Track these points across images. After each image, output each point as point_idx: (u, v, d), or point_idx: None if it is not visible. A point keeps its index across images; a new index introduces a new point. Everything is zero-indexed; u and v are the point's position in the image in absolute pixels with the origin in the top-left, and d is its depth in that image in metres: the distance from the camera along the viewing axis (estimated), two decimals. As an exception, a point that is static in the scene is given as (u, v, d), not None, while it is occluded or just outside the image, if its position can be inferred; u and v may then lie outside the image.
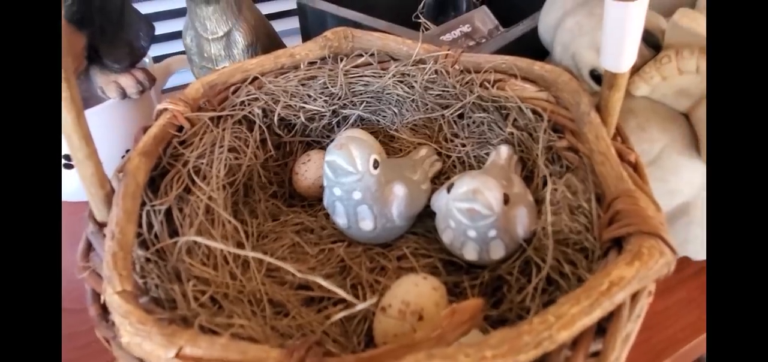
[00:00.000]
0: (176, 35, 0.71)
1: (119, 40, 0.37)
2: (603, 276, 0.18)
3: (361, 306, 0.18)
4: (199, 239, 0.22)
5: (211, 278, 0.22)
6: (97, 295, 0.21)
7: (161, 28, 0.68)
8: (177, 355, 0.16)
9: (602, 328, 0.18)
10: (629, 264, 0.18)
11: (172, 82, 0.50)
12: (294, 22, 0.78)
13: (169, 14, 0.70)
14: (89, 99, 0.39)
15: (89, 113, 0.36)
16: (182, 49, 0.53)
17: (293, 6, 0.79)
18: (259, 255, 0.20)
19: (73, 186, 0.38)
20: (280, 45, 0.48)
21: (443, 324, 0.19)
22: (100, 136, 0.35)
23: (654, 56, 0.28)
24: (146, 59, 0.42)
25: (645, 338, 0.30)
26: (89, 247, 0.23)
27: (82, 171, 0.21)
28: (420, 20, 0.64)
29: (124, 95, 0.37)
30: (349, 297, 0.18)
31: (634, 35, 0.23)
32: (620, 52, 0.23)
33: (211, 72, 0.32)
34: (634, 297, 0.19)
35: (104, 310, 0.20)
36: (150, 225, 0.24)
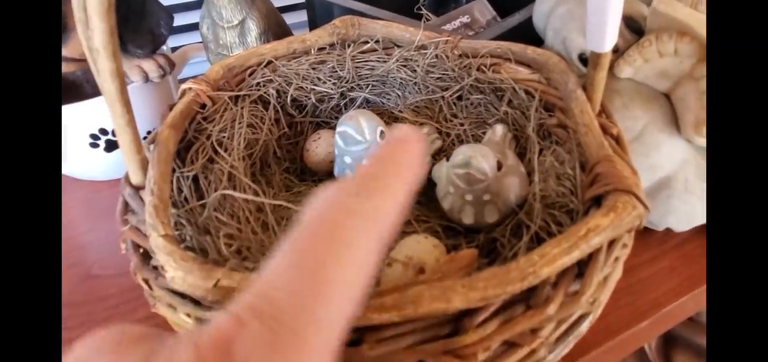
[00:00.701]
0: (191, 27, 0.74)
1: (142, 27, 0.39)
2: (582, 225, 0.21)
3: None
4: (232, 192, 0.25)
5: (236, 234, 0.25)
6: (136, 245, 0.23)
7: (176, 20, 0.71)
8: (215, 285, 0.19)
9: (581, 272, 0.21)
10: (605, 215, 0.21)
11: (186, 72, 0.53)
12: (301, 16, 0.80)
13: (183, 7, 0.73)
14: None
15: None
16: (197, 40, 0.56)
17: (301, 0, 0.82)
18: (284, 203, 0.23)
19: (100, 166, 0.41)
20: (290, 34, 0.50)
21: (443, 269, 0.22)
22: None
23: (637, 41, 0.31)
24: (164, 47, 0.45)
25: (631, 301, 0.32)
26: (126, 207, 0.26)
27: (123, 137, 0.24)
28: (421, 11, 0.67)
29: (146, 79, 0.40)
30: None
31: (615, 18, 0.25)
32: (603, 33, 0.26)
33: (228, 56, 0.35)
34: (611, 245, 0.22)
35: (144, 256, 0.23)
36: (179, 190, 0.27)
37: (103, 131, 0.39)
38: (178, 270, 0.19)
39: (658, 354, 0.65)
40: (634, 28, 0.33)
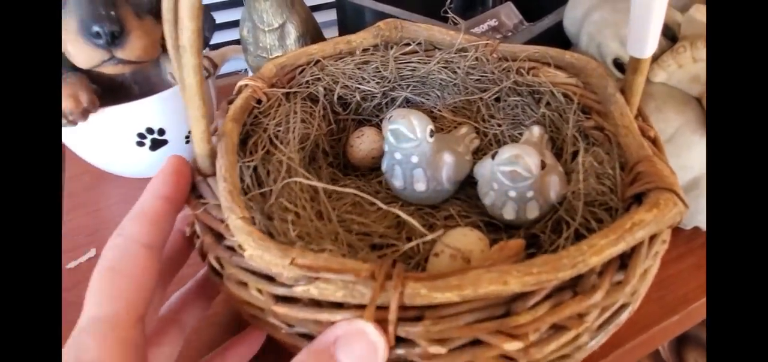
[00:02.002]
0: (225, 25, 0.76)
1: None
2: (627, 219, 0.22)
3: (430, 236, 0.22)
4: (299, 179, 0.27)
5: (296, 221, 0.27)
6: (208, 227, 0.25)
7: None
8: (291, 263, 0.21)
9: (624, 264, 0.23)
10: (648, 211, 0.22)
11: (223, 70, 0.55)
12: (327, 15, 0.82)
13: (219, 6, 0.76)
14: (159, 83, 0.44)
15: (161, 96, 0.40)
16: (230, 37, 0.58)
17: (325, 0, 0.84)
18: (352, 191, 0.25)
19: (145, 163, 0.43)
20: (324, 37, 0.52)
21: (494, 257, 0.24)
22: (170, 115, 0.41)
23: (671, 47, 0.32)
24: (205, 49, 0.47)
25: (661, 295, 0.34)
26: (195, 192, 0.28)
27: (197, 128, 0.26)
28: (448, 14, 0.68)
29: None
30: (420, 227, 0.23)
31: (657, 25, 0.27)
32: (645, 39, 0.27)
33: (281, 55, 0.37)
34: (652, 240, 0.23)
35: (217, 237, 0.25)
36: (242, 178, 0.29)
37: (150, 130, 0.41)
38: (256, 249, 0.21)
39: (671, 352, 0.66)
40: (668, 34, 0.34)
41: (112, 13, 0.34)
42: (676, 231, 0.37)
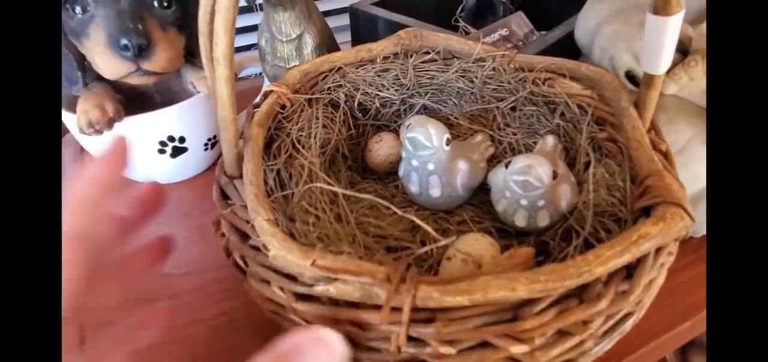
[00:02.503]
0: (239, 31, 0.77)
1: None
2: (633, 231, 0.23)
3: (444, 242, 0.24)
4: (320, 185, 0.28)
5: (316, 222, 0.29)
6: (234, 227, 0.27)
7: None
8: (312, 264, 0.22)
9: (630, 274, 0.23)
10: (655, 224, 0.23)
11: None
12: (339, 20, 0.83)
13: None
14: (180, 93, 0.44)
15: (182, 106, 0.41)
16: (246, 43, 0.58)
17: (337, 6, 0.85)
18: (370, 197, 0.26)
19: (166, 170, 0.45)
20: (339, 48, 0.53)
21: (504, 263, 0.25)
22: (191, 123, 0.42)
23: (682, 60, 0.33)
24: None
25: (672, 303, 0.34)
26: (222, 194, 0.29)
27: (226, 133, 0.28)
28: (459, 24, 0.68)
29: None
30: (433, 232, 0.24)
31: (671, 43, 0.27)
32: (658, 57, 0.28)
33: (304, 62, 0.39)
34: (658, 251, 0.24)
35: (243, 237, 0.26)
36: (265, 181, 0.30)
37: (171, 138, 0.42)
38: (280, 250, 0.23)
39: (677, 355, 0.66)
40: (679, 48, 0.35)
41: (140, 26, 0.35)
42: (686, 239, 0.38)
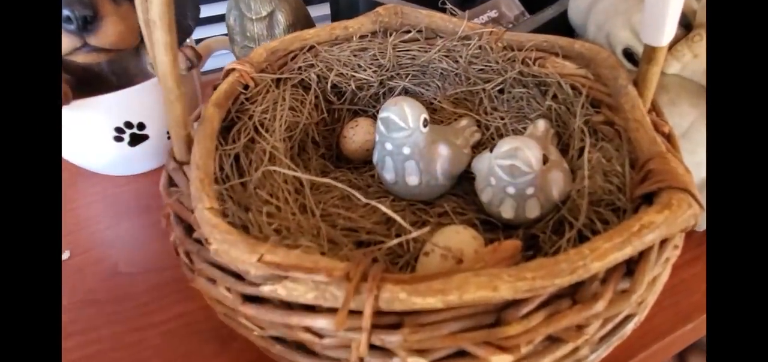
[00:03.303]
0: (213, 19, 0.74)
1: None
2: (635, 221, 0.20)
3: (415, 233, 0.20)
4: (277, 168, 0.25)
5: (275, 213, 0.25)
6: (179, 218, 0.24)
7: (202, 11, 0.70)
8: (258, 260, 0.19)
9: (631, 271, 0.20)
10: (659, 212, 0.20)
11: (209, 65, 0.52)
12: (322, 9, 0.80)
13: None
14: (139, 75, 0.41)
15: (140, 88, 0.37)
16: (219, 31, 0.54)
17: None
18: (330, 181, 0.23)
19: (124, 160, 0.41)
20: (314, 26, 0.49)
21: (486, 258, 0.22)
22: (150, 108, 0.38)
23: (685, 35, 0.30)
24: (188, 39, 0.44)
25: (674, 302, 0.32)
26: (170, 181, 0.26)
27: (172, 111, 0.24)
28: (446, 5, 0.65)
29: None
30: (404, 223, 0.21)
31: (676, 9, 0.24)
32: (661, 26, 0.25)
33: (272, 40, 0.35)
34: (662, 244, 0.21)
35: (187, 230, 0.23)
36: (221, 167, 0.27)
37: (128, 124, 0.39)
38: (222, 243, 0.19)
39: (674, 355, 0.64)
40: (682, 22, 0.31)
41: None
42: (690, 232, 0.35)
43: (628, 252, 0.19)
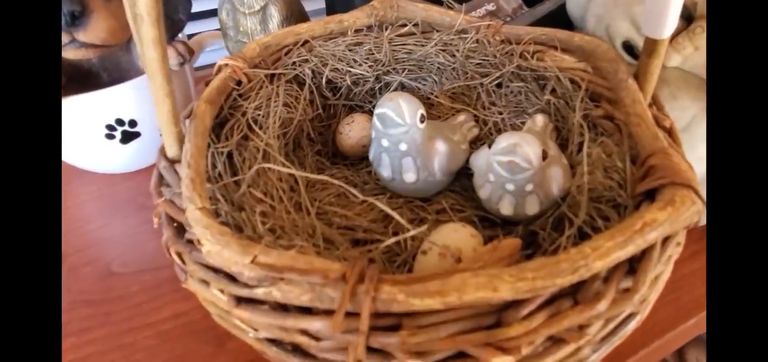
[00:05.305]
0: (206, 14, 0.73)
1: None
2: (637, 218, 0.19)
3: (413, 232, 0.20)
4: (270, 165, 0.24)
5: (269, 212, 0.25)
6: (170, 218, 0.23)
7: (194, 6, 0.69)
8: (252, 262, 0.18)
9: (633, 268, 0.20)
10: (662, 209, 0.20)
11: (202, 60, 0.51)
12: (317, 3, 0.79)
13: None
14: (130, 71, 0.40)
15: (131, 84, 0.36)
16: (212, 26, 0.53)
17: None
18: (324, 177, 0.22)
19: (116, 158, 0.40)
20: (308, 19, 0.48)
21: (485, 258, 0.21)
22: (142, 105, 0.38)
23: (687, 27, 0.29)
24: (180, 35, 0.44)
25: (675, 298, 0.31)
26: (161, 180, 0.25)
27: (161, 108, 0.24)
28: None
29: None
30: (402, 221, 0.20)
31: (677, 1, 0.24)
32: (663, 18, 0.24)
33: (266, 35, 0.34)
34: (665, 242, 0.21)
35: (179, 230, 0.23)
36: (213, 165, 0.26)
37: (120, 122, 0.38)
38: (215, 244, 0.19)
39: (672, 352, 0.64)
40: (683, 14, 0.31)
41: None
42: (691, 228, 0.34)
43: (630, 250, 0.19)
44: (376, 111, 0.28)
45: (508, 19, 0.52)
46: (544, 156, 0.26)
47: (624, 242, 0.19)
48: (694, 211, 0.20)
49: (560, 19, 0.41)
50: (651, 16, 0.25)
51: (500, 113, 0.35)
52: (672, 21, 0.24)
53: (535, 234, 0.28)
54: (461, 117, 0.35)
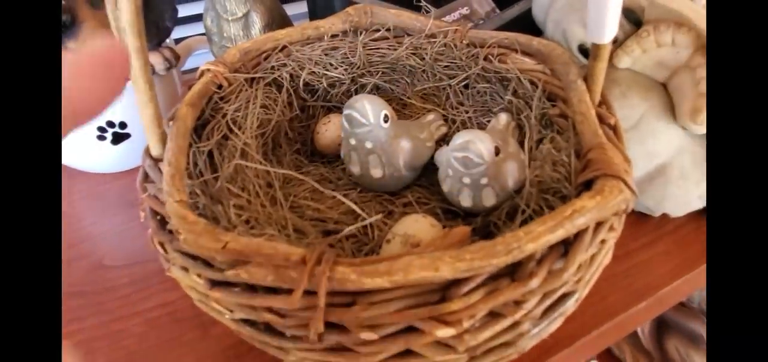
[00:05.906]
0: (193, 18, 0.75)
1: (146, 20, 0.40)
2: (568, 206, 0.22)
3: (370, 220, 0.22)
4: (245, 162, 0.26)
5: (245, 205, 0.27)
6: (154, 212, 0.25)
7: (180, 11, 0.70)
8: (223, 248, 0.20)
9: (568, 251, 0.22)
10: (591, 197, 0.22)
11: (190, 63, 0.53)
12: (299, 7, 0.80)
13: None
14: None
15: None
16: (199, 30, 0.55)
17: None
18: (293, 173, 0.24)
19: (107, 159, 0.42)
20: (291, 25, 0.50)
21: (436, 243, 0.23)
22: (131, 107, 0.40)
23: (635, 32, 0.32)
24: (167, 40, 0.45)
25: (628, 284, 0.33)
26: (146, 177, 0.28)
27: (145, 111, 0.26)
28: (421, 3, 0.66)
29: (152, 71, 0.41)
30: (361, 212, 0.23)
31: (615, 10, 0.26)
32: (603, 25, 0.26)
33: (246, 41, 0.37)
34: (597, 227, 0.23)
35: (161, 222, 0.25)
36: (195, 163, 0.28)
37: (111, 124, 0.40)
38: (189, 233, 0.21)
39: (652, 339, 0.66)
40: (632, 19, 0.33)
41: (62, 0, 0.33)
42: (644, 218, 0.37)
43: (560, 234, 0.21)
44: (344, 112, 0.30)
45: (482, 21, 0.54)
46: (498, 151, 0.28)
47: (554, 226, 0.21)
48: (621, 199, 0.22)
49: (527, 22, 0.43)
50: (593, 23, 0.27)
51: (467, 112, 0.38)
52: (611, 26, 0.26)
53: (495, 224, 0.30)
54: (430, 116, 0.37)
